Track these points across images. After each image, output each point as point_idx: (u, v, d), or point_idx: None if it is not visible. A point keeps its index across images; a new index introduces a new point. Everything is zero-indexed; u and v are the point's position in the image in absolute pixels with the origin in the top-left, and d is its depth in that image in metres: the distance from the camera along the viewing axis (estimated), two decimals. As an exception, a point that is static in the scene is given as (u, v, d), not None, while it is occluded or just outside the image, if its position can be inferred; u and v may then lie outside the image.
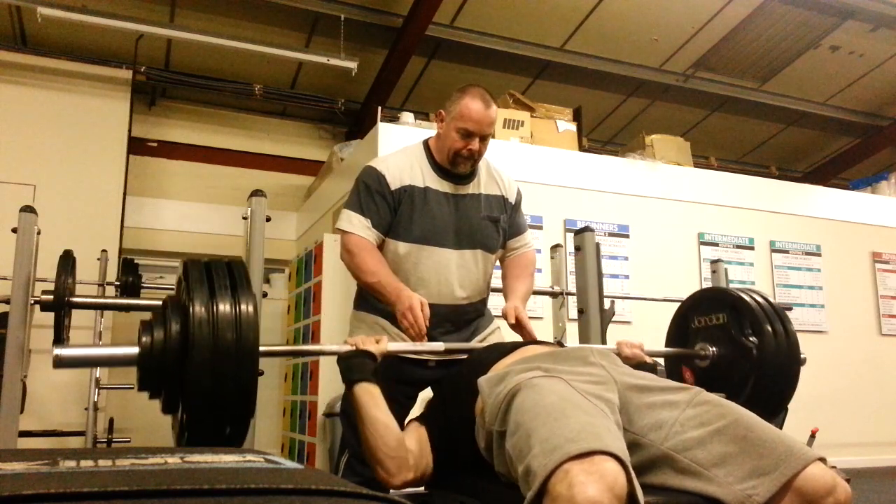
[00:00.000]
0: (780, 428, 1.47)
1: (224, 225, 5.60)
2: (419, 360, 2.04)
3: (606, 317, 2.73)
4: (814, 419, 4.12)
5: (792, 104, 6.77)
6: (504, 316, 2.07)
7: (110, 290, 4.62)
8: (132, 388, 1.43)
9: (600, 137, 7.09)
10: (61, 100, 5.32)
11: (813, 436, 3.93)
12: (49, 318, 2.56)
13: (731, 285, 3.17)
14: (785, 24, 5.60)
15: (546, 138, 4.86)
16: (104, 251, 4.71)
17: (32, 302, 2.27)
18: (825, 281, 5.41)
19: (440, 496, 1.62)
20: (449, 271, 2.09)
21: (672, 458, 1.33)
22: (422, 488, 1.68)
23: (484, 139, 2.10)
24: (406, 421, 1.77)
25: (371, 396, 1.57)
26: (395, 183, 2.08)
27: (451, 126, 2.08)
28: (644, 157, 5.09)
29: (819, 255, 5.45)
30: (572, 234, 2.95)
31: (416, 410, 1.90)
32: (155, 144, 6.03)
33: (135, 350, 1.38)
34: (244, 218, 2.26)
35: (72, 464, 0.60)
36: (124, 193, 5.34)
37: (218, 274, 1.42)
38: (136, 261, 4.86)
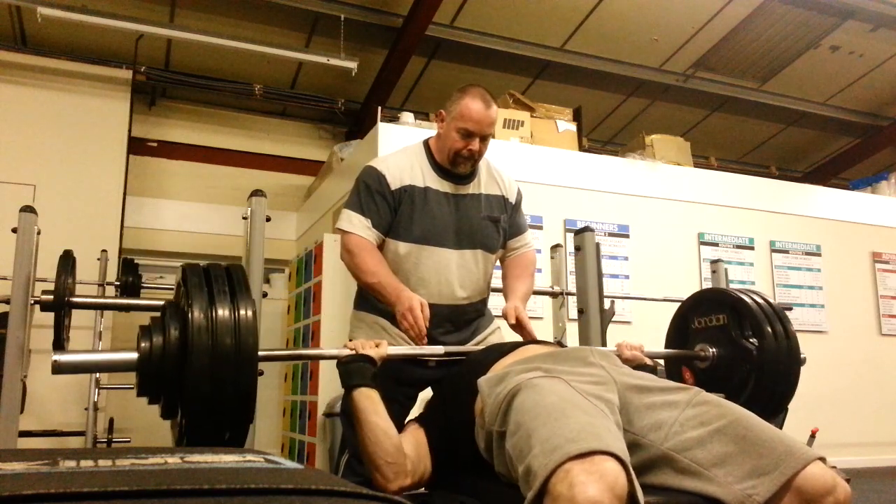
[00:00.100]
0: (780, 428, 1.47)
1: (224, 225, 5.61)
2: (419, 361, 2.03)
3: (606, 317, 2.73)
4: (814, 419, 4.12)
5: (792, 104, 6.77)
6: (504, 316, 2.07)
7: (110, 291, 4.62)
8: (132, 389, 1.43)
9: (600, 137, 7.09)
10: (61, 100, 5.32)
11: (813, 436, 3.93)
12: (49, 318, 2.56)
13: (731, 285, 3.17)
14: (785, 24, 5.60)
15: (546, 138, 4.86)
16: (104, 251, 4.71)
17: (32, 302, 2.26)
18: (825, 281, 5.41)
19: (440, 496, 1.62)
20: (449, 271, 2.09)
21: (672, 458, 1.33)
22: (422, 488, 1.68)
23: (484, 139, 2.10)
24: (405, 421, 1.77)
25: (370, 402, 1.56)
26: (395, 183, 2.08)
27: (452, 126, 2.08)
28: (644, 157, 5.09)
29: (819, 255, 5.45)
30: (572, 234, 2.94)
31: (417, 411, 1.90)
32: (155, 144, 6.03)
33: (134, 356, 1.38)
34: (244, 218, 2.26)
35: (72, 464, 0.60)
36: (124, 193, 5.34)
37: (217, 279, 1.42)
38: (136, 261, 4.86)
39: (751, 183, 5.51)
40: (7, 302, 2.25)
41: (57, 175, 5.12)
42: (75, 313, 3.00)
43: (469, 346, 2.03)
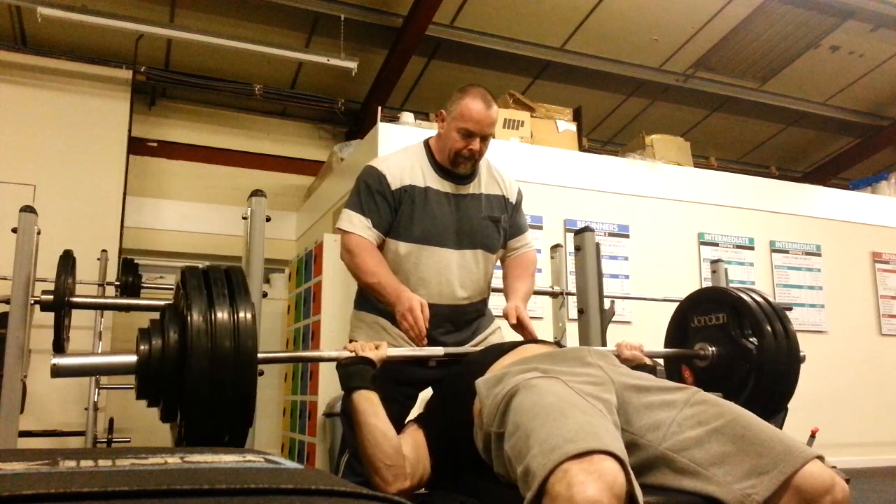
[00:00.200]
0: (780, 428, 1.47)
1: (224, 225, 5.61)
2: (419, 361, 2.03)
3: (606, 317, 2.73)
4: (814, 419, 4.12)
5: (792, 104, 6.77)
6: (505, 316, 2.07)
7: (110, 291, 4.63)
8: (132, 389, 1.43)
9: (600, 137, 7.10)
10: (61, 100, 5.32)
11: (813, 436, 3.93)
12: (49, 318, 2.56)
13: (731, 285, 3.17)
14: (785, 24, 5.60)
15: (546, 138, 4.86)
16: (104, 251, 4.71)
17: (32, 302, 2.26)
18: (825, 281, 5.41)
19: (440, 496, 1.62)
20: (450, 271, 2.09)
21: (670, 458, 1.33)
22: (421, 488, 1.68)
23: (485, 139, 2.10)
24: (405, 422, 1.77)
25: (370, 404, 1.56)
26: (395, 183, 2.08)
27: (452, 126, 2.08)
28: (644, 157, 5.09)
29: (819, 255, 5.45)
30: (572, 234, 2.94)
31: (417, 411, 1.90)
32: (155, 144, 6.03)
33: (133, 358, 1.38)
34: (244, 218, 2.26)
35: (72, 464, 0.60)
36: (124, 193, 5.34)
37: (216, 282, 1.42)
38: (136, 261, 4.86)
39: (751, 183, 5.51)
40: (7, 302, 2.25)
41: (57, 175, 5.12)
42: (75, 313, 3.01)
43: (468, 348, 2.03)
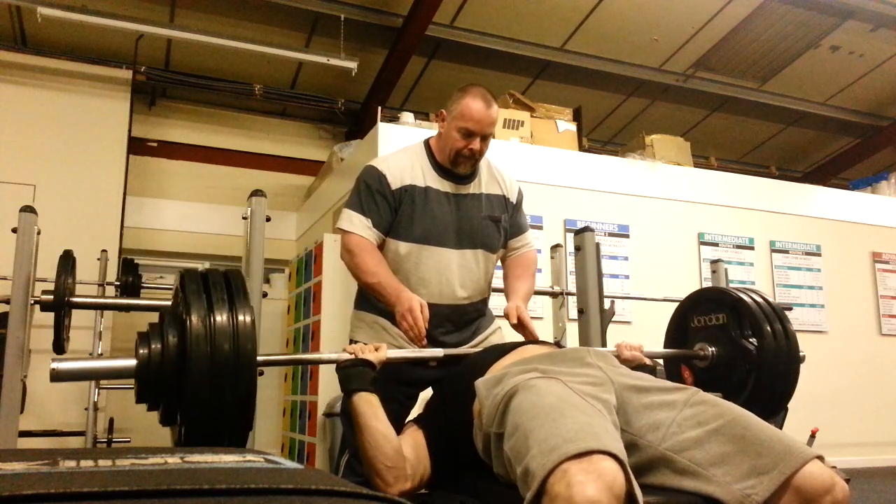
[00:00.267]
0: (781, 428, 1.47)
1: (224, 225, 5.61)
2: (420, 360, 2.03)
3: (606, 317, 2.73)
4: (814, 419, 4.12)
5: (792, 104, 6.77)
6: (506, 316, 2.07)
7: (110, 290, 4.63)
8: (132, 389, 1.43)
9: (600, 137, 7.10)
10: (61, 100, 5.32)
11: (813, 436, 3.93)
12: (49, 318, 2.56)
13: (731, 285, 3.17)
14: (785, 24, 5.60)
15: (546, 138, 4.86)
16: (104, 251, 4.71)
17: (32, 302, 2.26)
18: (825, 281, 5.41)
19: (440, 496, 1.62)
20: (450, 271, 2.09)
21: (670, 458, 1.33)
22: (422, 489, 1.68)
23: (485, 139, 2.10)
24: (405, 422, 1.77)
25: (370, 406, 1.56)
26: (395, 182, 2.08)
27: (453, 125, 2.08)
28: (644, 157, 5.09)
29: (819, 255, 5.45)
30: (572, 234, 2.94)
31: (417, 410, 1.90)
32: (155, 144, 6.03)
33: (132, 362, 1.38)
34: (244, 218, 2.26)
35: (72, 464, 0.60)
36: (124, 193, 5.34)
37: (215, 285, 1.42)
38: (136, 261, 4.86)
39: (751, 183, 5.51)
40: (7, 302, 2.25)
41: (57, 175, 5.12)
42: (75, 313, 3.01)
43: (468, 349, 2.03)
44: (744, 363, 2.08)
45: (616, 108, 6.78)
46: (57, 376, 1.38)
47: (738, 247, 5.18)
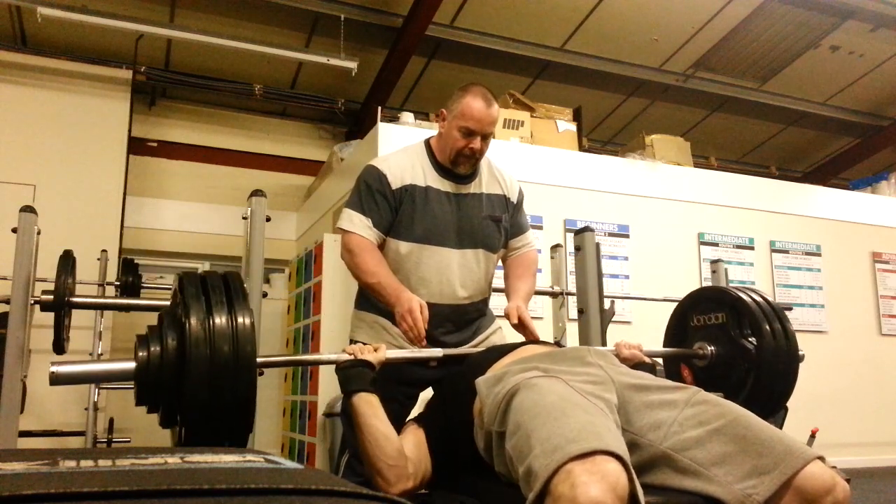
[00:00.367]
0: (781, 428, 1.47)
1: (224, 225, 5.61)
2: (420, 360, 2.03)
3: (606, 317, 2.73)
4: (814, 419, 4.12)
5: (792, 104, 6.77)
6: (506, 316, 2.07)
7: (110, 290, 4.63)
8: (132, 389, 1.43)
9: (600, 137, 7.10)
10: (61, 100, 5.32)
11: (813, 436, 3.93)
12: (49, 318, 2.56)
13: (731, 285, 3.17)
14: (785, 24, 5.60)
15: (546, 138, 4.86)
16: (104, 251, 4.72)
17: (32, 302, 2.26)
18: (825, 281, 5.41)
19: (440, 496, 1.62)
20: (450, 271, 2.08)
21: (671, 457, 1.33)
22: (423, 488, 1.68)
23: (485, 138, 2.10)
24: (405, 421, 1.77)
25: (370, 406, 1.56)
26: (396, 182, 2.08)
27: (453, 125, 2.08)
28: (644, 157, 5.09)
29: (819, 255, 5.45)
30: (572, 234, 2.95)
31: (417, 410, 1.90)
32: (155, 144, 6.03)
33: (131, 365, 1.38)
34: (244, 218, 2.26)
35: (72, 464, 0.60)
36: (124, 193, 5.34)
37: (214, 287, 1.42)
38: (136, 261, 4.87)
39: (751, 183, 5.51)
40: (7, 302, 2.25)
41: (57, 175, 5.12)
42: (75, 313, 3.01)
43: (467, 349, 2.03)
44: (743, 362, 2.08)
45: (616, 108, 6.78)
46: (56, 380, 1.38)
47: (738, 247, 5.18)
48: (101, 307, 4.30)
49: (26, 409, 3.22)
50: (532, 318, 2.09)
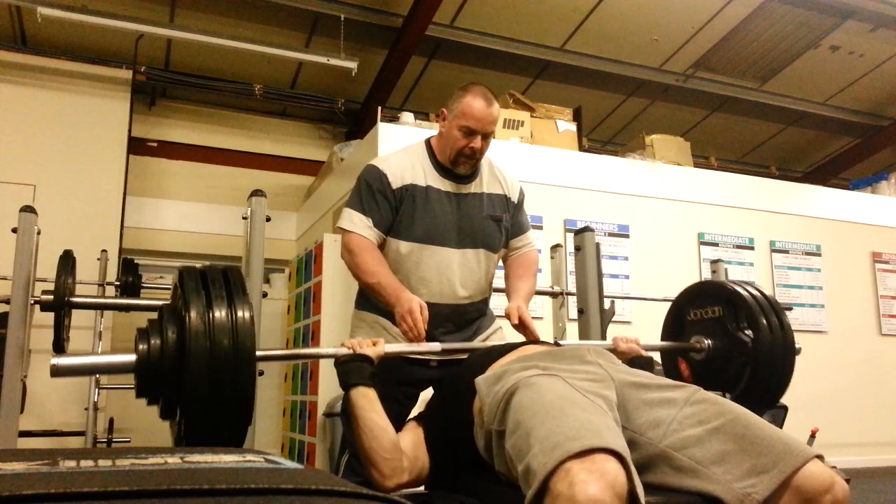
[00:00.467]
0: (781, 427, 1.47)
1: (224, 225, 5.61)
2: (421, 360, 2.04)
3: (606, 317, 2.73)
4: (814, 419, 4.12)
5: (792, 104, 6.77)
6: (507, 316, 2.07)
7: (110, 290, 4.63)
8: (132, 389, 1.43)
9: (600, 137, 7.09)
10: (61, 100, 5.32)
11: (813, 436, 3.93)
12: (49, 318, 2.56)
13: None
14: (785, 24, 5.60)
15: (546, 138, 4.86)
16: (104, 251, 4.71)
17: (32, 302, 2.27)
18: (825, 281, 5.41)
19: (440, 496, 1.62)
20: (451, 271, 2.08)
21: (670, 456, 1.33)
22: (422, 488, 1.68)
23: (486, 137, 2.10)
24: (406, 420, 1.77)
25: (367, 400, 1.57)
26: (396, 182, 2.08)
27: (454, 124, 2.08)
28: (644, 157, 5.09)
29: (819, 255, 5.45)
30: (572, 234, 2.95)
31: (417, 411, 1.90)
32: (155, 144, 6.03)
33: (132, 358, 1.39)
34: (244, 218, 2.27)
35: (72, 464, 0.60)
36: (124, 193, 5.34)
37: (213, 282, 1.43)
38: (136, 261, 4.86)
39: (751, 183, 5.51)
40: (7, 302, 2.25)
41: (57, 175, 5.12)
42: (75, 313, 3.01)
43: (466, 343, 2.04)
44: (740, 355, 2.08)
45: (616, 108, 6.78)
46: (57, 371, 1.39)
47: (738, 247, 5.18)
48: (101, 307, 4.30)
49: (26, 409, 3.22)
50: (532, 318, 2.09)
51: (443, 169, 2.14)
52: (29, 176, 5.04)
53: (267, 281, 4.43)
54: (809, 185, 6.31)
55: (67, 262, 2.94)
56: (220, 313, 1.36)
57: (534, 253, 2.30)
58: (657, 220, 4.94)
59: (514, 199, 2.26)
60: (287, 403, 5.02)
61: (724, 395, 1.96)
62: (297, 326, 4.81)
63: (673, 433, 1.35)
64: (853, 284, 5.53)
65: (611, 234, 4.76)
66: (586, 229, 2.78)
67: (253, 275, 2.20)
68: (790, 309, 2.69)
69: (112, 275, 4.76)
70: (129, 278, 4.57)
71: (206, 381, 1.31)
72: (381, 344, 1.72)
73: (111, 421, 4.60)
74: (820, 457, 1.25)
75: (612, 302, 2.79)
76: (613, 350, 1.91)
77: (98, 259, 4.66)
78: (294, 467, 0.62)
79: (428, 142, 2.21)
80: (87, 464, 0.60)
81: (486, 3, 5.27)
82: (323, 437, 4.01)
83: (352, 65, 5.28)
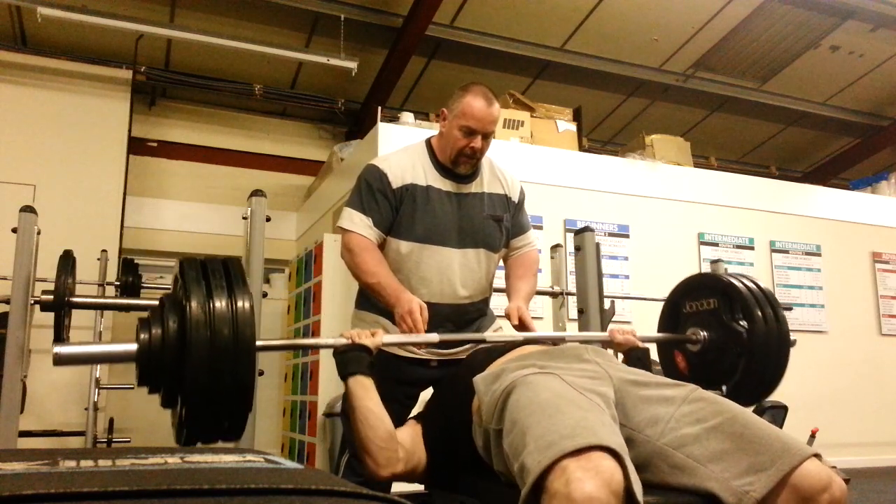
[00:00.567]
0: (781, 427, 1.47)
1: (224, 225, 5.61)
2: (421, 360, 2.04)
3: (606, 317, 2.73)
4: (814, 419, 4.12)
5: (792, 104, 6.77)
6: (507, 316, 2.07)
7: (110, 290, 4.63)
8: (132, 388, 1.44)
9: (600, 137, 7.10)
10: (61, 100, 5.32)
11: (813, 436, 3.93)
12: (49, 318, 2.56)
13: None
14: (785, 24, 5.60)
15: (546, 138, 4.86)
16: (104, 251, 4.71)
17: (32, 302, 2.27)
18: (825, 281, 5.41)
19: (440, 496, 1.62)
20: (451, 270, 2.08)
21: (668, 453, 1.33)
22: (422, 488, 1.69)
23: (486, 137, 2.09)
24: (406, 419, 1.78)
25: (364, 389, 1.58)
26: (396, 181, 2.08)
27: (454, 124, 2.08)
28: (644, 157, 5.09)
29: (819, 255, 5.45)
30: (572, 234, 2.95)
31: (417, 411, 1.90)
32: (155, 144, 6.04)
33: (133, 347, 1.40)
34: (244, 218, 2.27)
35: (72, 464, 0.60)
36: (124, 193, 5.34)
37: (214, 272, 1.43)
38: (136, 261, 4.86)
39: (751, 183, 5.51)
40: (7, 302, 2.25)
41: (57, 175, 5.12)
42: (75, 313, 3.00)
43: (465, 335, 2.04)
44: (735, 346, 2.09)
45: (616, 108, 6.78)
46: (59, 360, 1.40)
47: (738, 247, 5.18)
48: (101, 307, 4.29)
49: (26, 409, 3.21)
50: (532, 318, 2.09)
51: (443, 169, 2.14)
52: (29, 176, 5.04)
53: (267, 281, 4.43)
54: (809, 185, 6.31)
55: (67, 262, 2.94)
56: (220, 303, 1.37)
57: (534, 253, 2.30)
58: (657, 220, 4.94)
59: (515, 198, 2.26)
60: (287, 403, 5.02)
61: (720, 390, 1.97)
62: (297, 326, 4.81)
63: (671, 431, 1.35)
64: (853, 284, 5.53)
65: (611, 234, 4.76)
66: (586, 229, 2.78)
67: (253, 275, 2.20)
68: (790, 309, 2.70)
69: (112, 275, 4.76)
70: (129, 278, 4.57)
71: (207, 369, 1.33)
72: (380, 334, 1.72)
73: (111, 421, 4.60)
74: (818, 455, 1.25)
75: (612, 302, 2.79)
76: (610, 342, 1.92)
77: (98, 259, 4.66)
78: (294, 467, 0.62)
79: (428, 141, 2.21)
80: (87, 464, 0.60)
81: (486, 3, 5.27)
82: (323, 437, 4.01)
83: (352, 65, 5.28)
